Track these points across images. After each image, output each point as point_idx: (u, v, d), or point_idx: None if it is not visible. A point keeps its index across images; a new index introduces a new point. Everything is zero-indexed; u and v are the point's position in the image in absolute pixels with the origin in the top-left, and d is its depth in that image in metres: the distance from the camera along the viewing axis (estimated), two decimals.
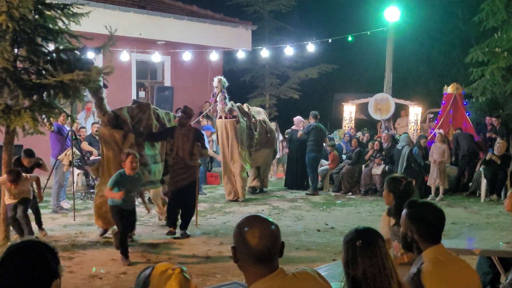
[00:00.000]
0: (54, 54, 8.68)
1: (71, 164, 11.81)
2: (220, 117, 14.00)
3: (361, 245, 3.00)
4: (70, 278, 7.26)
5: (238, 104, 14.42)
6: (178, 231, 10.01)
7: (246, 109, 14.56)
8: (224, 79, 13.84)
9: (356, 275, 2.98)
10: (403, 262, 5.10)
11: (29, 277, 2.07)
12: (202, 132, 11.79)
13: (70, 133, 11.76)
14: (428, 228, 3.51)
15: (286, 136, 17.01)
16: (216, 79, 13.86)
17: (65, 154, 11.83)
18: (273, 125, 16.18)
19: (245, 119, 14.19)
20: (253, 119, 14.62)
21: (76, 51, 8.75)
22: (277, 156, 17.08)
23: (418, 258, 3.52)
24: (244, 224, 2.72)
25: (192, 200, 10.25)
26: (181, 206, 10.14)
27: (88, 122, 15.72)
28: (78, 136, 12.86)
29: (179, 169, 10.07)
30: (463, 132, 16.54)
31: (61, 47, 8.79)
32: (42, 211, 11.87)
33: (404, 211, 3.62)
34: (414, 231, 3.51)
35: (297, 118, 16.69)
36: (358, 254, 2.99)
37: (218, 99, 13.71)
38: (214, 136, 16.04)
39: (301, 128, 15.90)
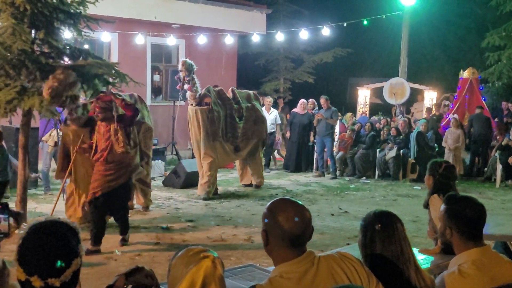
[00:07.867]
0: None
1: (56, 144, 11.28)
2: (191, 104, 12.13)
3: (380, 229, 2.97)
4: (84, 259, 7.30)
5: (219, 88, 12.74)
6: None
7: (230, 95, 12.94)
8: (189, 61, 11.86)
9: (373, 258, 2.96)
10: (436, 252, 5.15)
11: (50, 255, 2.10)
12: None
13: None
14: (467, 224, 3.31)
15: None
16: (180, 62, 12.11)
17: (49, 135, 11.59)
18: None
19: (222, 107, 12.44)
20: (236, 105, 12.85)
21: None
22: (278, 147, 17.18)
23: (457, 257, 3.31)
24: (278, 207, 2.66)
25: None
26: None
27: None
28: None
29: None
30: (481, 114, 15.96)
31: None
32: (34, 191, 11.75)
33: (442, 207, 3.41)
34: (453, 227, 3.29)
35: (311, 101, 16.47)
36: (376, 237, 2.97)
37: (185, 86, 11.86)
38: None
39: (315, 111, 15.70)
